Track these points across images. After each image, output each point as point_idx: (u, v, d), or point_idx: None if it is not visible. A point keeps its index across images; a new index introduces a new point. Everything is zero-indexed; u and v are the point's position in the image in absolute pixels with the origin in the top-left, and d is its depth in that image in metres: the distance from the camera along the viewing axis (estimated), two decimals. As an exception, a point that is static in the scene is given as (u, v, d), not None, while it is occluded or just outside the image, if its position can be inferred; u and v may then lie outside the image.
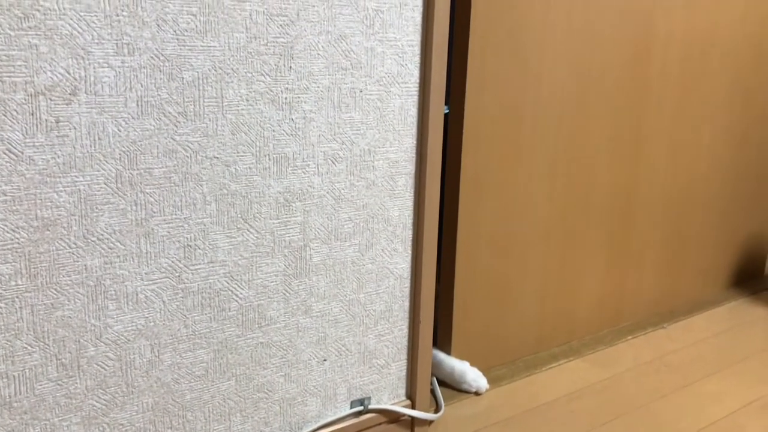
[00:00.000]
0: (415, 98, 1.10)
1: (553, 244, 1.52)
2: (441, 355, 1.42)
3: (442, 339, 1.43)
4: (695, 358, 1.59)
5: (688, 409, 1.37)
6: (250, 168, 0.96)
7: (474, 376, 1.40)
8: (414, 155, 1.13)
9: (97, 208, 0.85)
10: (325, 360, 1.11)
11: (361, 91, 1.03)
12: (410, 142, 1.11)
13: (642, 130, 1.62)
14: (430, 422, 1.27)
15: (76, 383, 0.88)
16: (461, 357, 1.43)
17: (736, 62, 1.78)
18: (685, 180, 1.77)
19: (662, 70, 1.61)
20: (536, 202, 1.46)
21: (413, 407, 1.23)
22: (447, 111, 1.32)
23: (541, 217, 1.48)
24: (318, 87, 0.99)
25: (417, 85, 1.10)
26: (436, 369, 1.41)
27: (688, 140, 1.74)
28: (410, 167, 1.13)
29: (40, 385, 0.86)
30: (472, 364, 1.43)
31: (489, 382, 1.42)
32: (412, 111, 1.10)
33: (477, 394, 1.39)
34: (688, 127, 1.73)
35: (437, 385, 1.38)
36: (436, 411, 1.31)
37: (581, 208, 1.55)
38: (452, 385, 1.41)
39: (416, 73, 1.09)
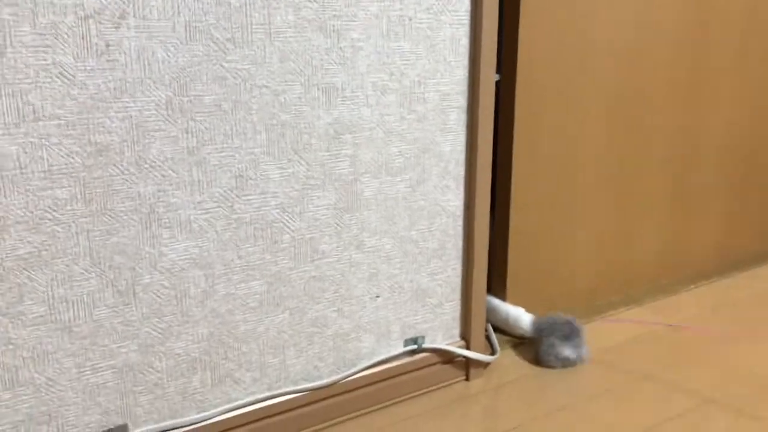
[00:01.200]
0: (467, 28, 1.07)
1: (612, 189, 1.48)
2: (495, 301, 1.40)
3: (497, 284, 1.41)
4: (762, 306, 1.53)
5: (757, 356, 1.31)
6: (299, 98, 0.95)
7: (529, 322, 1.37)
8: (466, 88, 1.10)
9: (149, 134, 0.85)
10: (377, 296, 1.10)
11: (410, 19, 1.01)
12: (462, 73, 1.09)
13: (702, 76, 1.54)
14: (486, 364, 1.26)
15: (133, 310, 0.89)
16: (516, 303, 1.40)
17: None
18: (750, 125, 1.69)
19: (724, 13, 1.53)
20: (595, 146, 1.41)
21: (468, 348, 1.21)
22: (498, 79, 1.28)
23: (599, 161, 1.43)
24: (366, 14, 0.97)
25: (468, 13, 1.06)
26: (491, 314, 1.38)
27: (751, 84, 1.65)
28: (462, 101, 1.10)
29: (98, 311, 0.87)
30: (527, 311, 1.40)
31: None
32: (464, 41, 1.07)
33: (531, 340, 1.37)
34: (751, 77, 1.64)
35: (492, 329, 1.36)
36: (492, 354, 1.29)
37: (641, 153, 1.50)
38: (507, 331, 1.39)
39: (467, 0, 1.05)
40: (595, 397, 1.17)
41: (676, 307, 1.53)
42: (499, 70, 1.25)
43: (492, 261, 1.40)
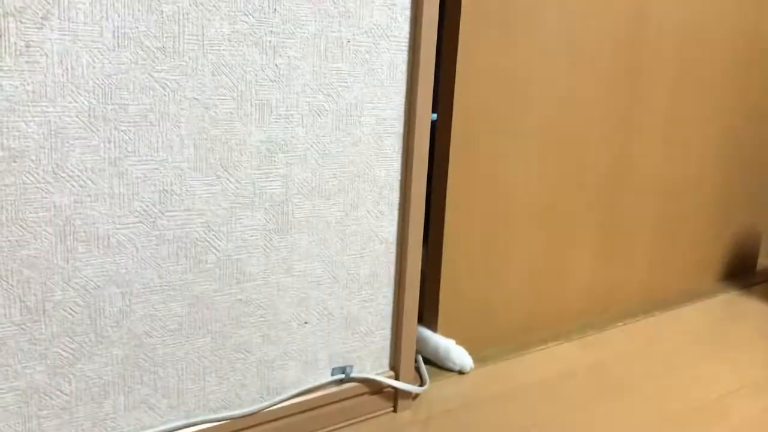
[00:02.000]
0: (405, 55, 1.07)
1: (544, 223, 1.49)
2: (426, 332, 1.38)
3: (428, 315, 1.39)
4: (685, 345, 1.56)
5: (677, 392, 1.33)
6: (230, 113, 0.92)
7: (459, 354, 1.36)
8: (402, 114, 1.09)
9: (68, 142, 0.81)
10: (306, 323, 1.07)
11: (348, 41, 1.00)
12: (399, 100, 1.08)
13: (635, 118, 1.59)
14: (415, 396, 1.23)
15: (41, 328, 0.84)
16: (447, 335, 1.39)
17: (732, 54, 1.77)
18: (679, 170, 1.75)
19: (656, 57, 1.59)
20: (527, 180, 1.43)
21: (397, 378, 1.18)
22: (434, 119, 1.29)
23: (532, 195, 1.45)
24: (304, 33, 0.96)
25: (407, 40, 1.06)
26: (421, 345, 1.37)
27: (682, 130, 1.72)
28: (398, 127, 1.09)
29: (3, 328, 0.81)
30: (457, 343, 1.39)
31: (475, 361, 1.39)
32: (402, 67, 1.07)
33: (461, 373, 1.35)
34: (683, 117, 1.70)
35: (422, 360, 1.34)
36: (421, 385, 1.26)
37: (573, 190, 1.52)
38: (437, 363, 1.37)
39: (406, 27, 1.06)
40: (524, 431, 1.16)
41: (603, 343, 1.54)
42: (435, 108, 1.26)
43: (424, 291, 1.38)
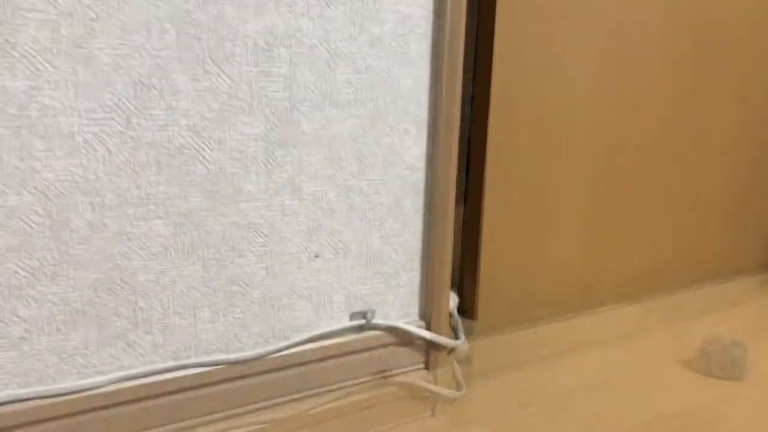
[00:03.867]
0: (433, -59, 0.91)
1: (603, 177, 1.30)
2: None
3: (467, 259, 1.22)
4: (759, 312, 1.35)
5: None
6: (220, -5, 0.78)
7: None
8: (431, 13, 0.93)
9: (20, 14, 0.68)
10: (317, 256, 0.91)
11: None
12: (426, -5, 0.92)
13: (701, 62, 1.38)
14: (449, 351, 1.06)
15: (-7, 239, 0.71)
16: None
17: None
18: (754, 123, 1.53)
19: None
20: (581, 124, 1.24)
21: (428, 329, 1.02)
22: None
23: (588, 142, 1.26)
24: None
25: (435, -77, 0.90)
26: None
27: (755, 84, 1.49)
28: (426, 27, 0.93)
29: (-55, 235, 0.69)
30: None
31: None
32: (429, -45, 0.91)
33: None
34: (754, 73, 1.48)
35: (456, 310, 1.16)
36: (456, 339, 1.10)
37: (634, 141, 1.33)
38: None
39: None
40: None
41: (668, 307, 1.34)
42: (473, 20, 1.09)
43: (461, 245, 1.22)
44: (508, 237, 1.22)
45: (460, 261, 1.23)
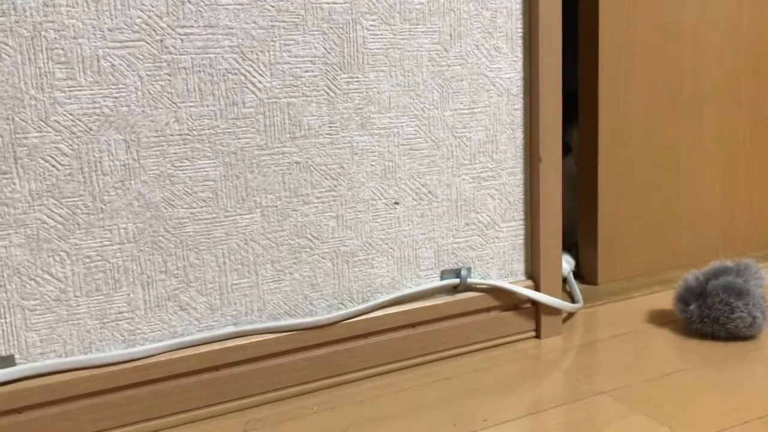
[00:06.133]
0: None
1: (746, 111, 1.08)
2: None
3: (586, 203, 1.04)
4: None
5: None
6: None
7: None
8: None
9: None
10: (396, 203, 0.77)
11: None
12: None
13: None
14: (566, 317, 0.89)
15: (13, 184, 0.61)
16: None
17: None
18: None
19: None
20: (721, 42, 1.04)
21: (537, 290, 0.85)
22: None
23: (728, 60, 1.05)
24: None
25: None
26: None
27: None
28: None
29: (-39, 180, 0.60)
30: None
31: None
32: None
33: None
34: None
35: (571, 267, 0.99)
36: (574, 302, 0.92)
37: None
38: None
39: None
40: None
41: None
42: None
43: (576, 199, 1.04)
44: (629, 189, 1.03)
45: (576, 220, 1.06)
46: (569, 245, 1.03)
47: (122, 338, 0.67)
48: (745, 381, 0.73)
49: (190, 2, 0.65)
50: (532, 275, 0.86)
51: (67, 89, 0.62)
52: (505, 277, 0.85)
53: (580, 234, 1.05)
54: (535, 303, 0.85)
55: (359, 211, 0.75)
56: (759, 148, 1.12)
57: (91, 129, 0.63)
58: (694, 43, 1.03)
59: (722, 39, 1.05)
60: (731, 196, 1.11)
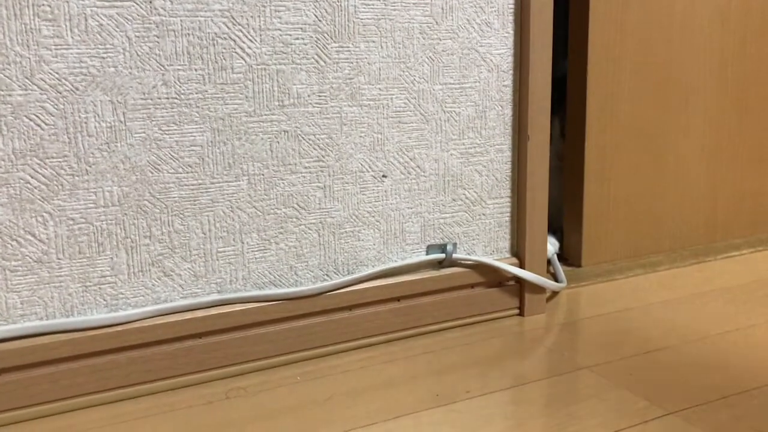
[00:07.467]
0: None
1: (733, 94, 1.09)
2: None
3: (571, 181, 1.04)
4: None
5: None
6: None
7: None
8: None
9: None
10: (384, 176, 0.77)
11: None
12: None
13: None
14: (550, 296, 0.90)
15: (-3, 141, 0.61)
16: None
17: None
18: None
19: None
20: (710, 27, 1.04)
21: (522, 267, 0.85)
22: None
23: (718, 39, 1.06)
24: None
25: None
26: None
27: None
28: None
29: (-57, 136, 0.59)
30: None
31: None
32: None
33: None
34: None
35: (555, 249, 0.99)
36: (557, 282, 0.93)
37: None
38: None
39: None
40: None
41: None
42: None
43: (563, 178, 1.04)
44: (615, 172, 1.03)
45: (560, 202, 1.06)
46: (554, 228, 1.03)
47: (105, 302, 0.66)
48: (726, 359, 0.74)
49: (180, -37, 0.64)
50: (518, 253, 0.86)
51: (53, 47, 0.61)
52: (491, 254, 0.85)
53: (565, 216, 1.06)
54: (519, 280, 0.85)
55: (347, 183, 0.75)
56: (744, 134, 1.13)
57: (77, 89, 0.62)
58: (683, 27, 1.04)
59: (710, 24, 1.06)
60: (716, 181, 1.12)
